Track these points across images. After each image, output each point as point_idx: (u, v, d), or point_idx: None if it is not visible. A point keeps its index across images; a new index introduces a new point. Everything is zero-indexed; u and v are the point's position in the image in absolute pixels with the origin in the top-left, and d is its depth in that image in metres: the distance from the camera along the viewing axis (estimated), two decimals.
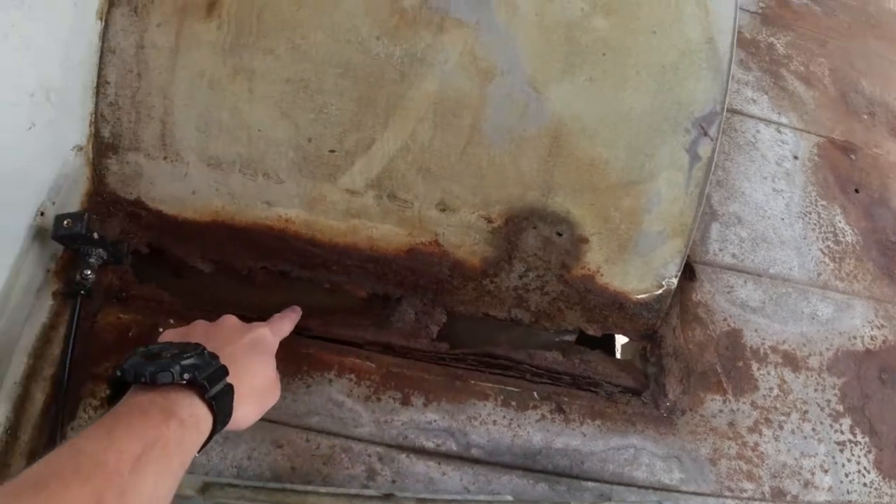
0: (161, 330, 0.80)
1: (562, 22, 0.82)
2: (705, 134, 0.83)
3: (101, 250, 0.79)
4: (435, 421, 0.82)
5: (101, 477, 0.40)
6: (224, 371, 0.56)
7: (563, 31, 0.82)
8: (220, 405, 0.53)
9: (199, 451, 0.51)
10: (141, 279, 0.85)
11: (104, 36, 0.82)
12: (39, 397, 0.76)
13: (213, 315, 0.69)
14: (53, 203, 0.80)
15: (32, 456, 0.73)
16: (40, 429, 0.74)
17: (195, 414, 0.50)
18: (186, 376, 0.50)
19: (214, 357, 0.56)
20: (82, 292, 0.77)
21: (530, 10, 0.81)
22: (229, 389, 0.55)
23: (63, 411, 0.74)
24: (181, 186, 0.84)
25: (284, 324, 0.75)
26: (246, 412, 0.59)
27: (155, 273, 0.86)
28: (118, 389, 0.52)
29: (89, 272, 0.78)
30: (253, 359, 0.63)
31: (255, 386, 0.61)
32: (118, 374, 0.51)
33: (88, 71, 0.82)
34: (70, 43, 0.79)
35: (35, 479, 0.39)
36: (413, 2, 0.81)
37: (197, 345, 0.56)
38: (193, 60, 0.81)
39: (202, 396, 0.52)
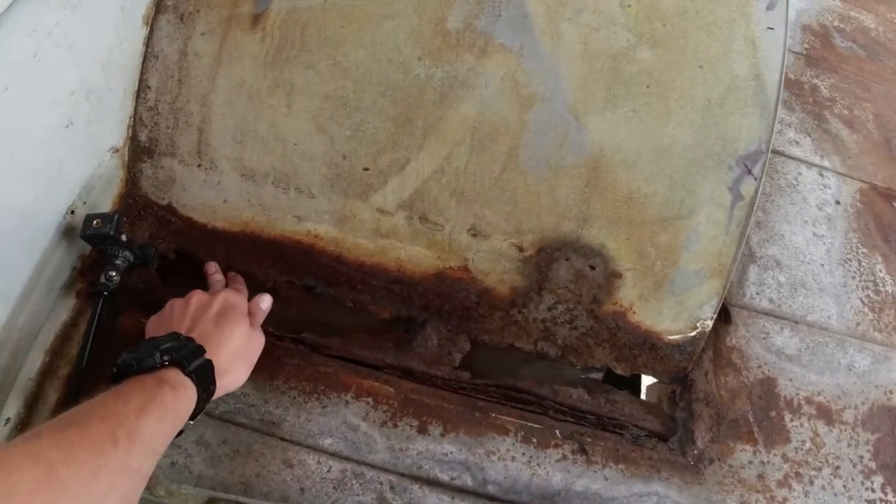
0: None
1: (606, 52, 0.80)
2: (749, 172, 0.81)
3: (127, 253, 0.78)
4: (451, 453, 0.79)
5: (115, 419, 0.51)
6: (200, 350, 0.65)
7: (607, 62, 0.80)
8: (201, 378, 0.62)
9: (191, 419, 0.61)
10: (167, 284, 0.84)
11: (149, 41, 0.83)
12: (53, 395, 0.75)
13: None
14: (85, 202, 0.80)
15: None
16: None
17: (182, 382, 0.60)
18: (166, 358, 0.60)
19: (190, 339, 0.65)
20: (105, 293, 0.76)
21: (575, 38, 0.80)
22: (208, 364, 0.64)
23: None
24: (213, 195, 0.83)
25: (238, 283, 0.82)
26: (232, 378, 0.69)
27: (181, 279, 0.85)
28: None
29: (114, 273, 0.77)
30: (225, 328, 0.70)
31: (233, 350, 0.69)
32: (114, 370, 0.61)
33: (130, 75, 0.83)
34: (114, 46, 0.79)
35: (66, 418, 0.50)
36: (457, 25, 0.80)
37: (172, 332, 0.66)
38: (234, 71, 0.81)
39: (183, 371, 0.61)
